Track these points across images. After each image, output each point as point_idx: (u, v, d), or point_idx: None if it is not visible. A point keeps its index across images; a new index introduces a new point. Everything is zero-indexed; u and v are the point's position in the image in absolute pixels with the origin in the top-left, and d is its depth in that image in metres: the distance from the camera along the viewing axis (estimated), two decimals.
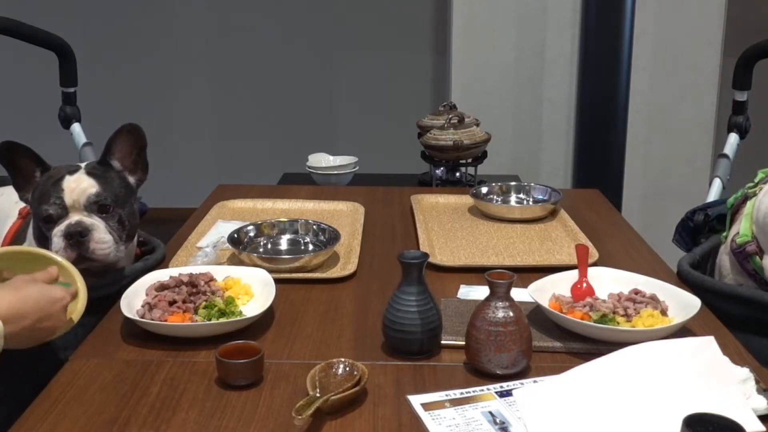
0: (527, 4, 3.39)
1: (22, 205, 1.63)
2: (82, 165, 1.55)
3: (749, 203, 1.62)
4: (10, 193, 1.73)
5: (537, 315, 1.37)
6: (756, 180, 1.69)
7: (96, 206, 1.48)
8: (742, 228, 1.60)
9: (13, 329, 1.13)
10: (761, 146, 2.96)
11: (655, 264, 1.70)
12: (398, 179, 2.93)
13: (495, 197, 2.10)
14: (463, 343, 1.23)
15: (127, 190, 1.56)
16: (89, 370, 1.22)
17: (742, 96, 2.41)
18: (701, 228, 1.84)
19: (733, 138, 2.42)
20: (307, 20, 4.50)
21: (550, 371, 1.20)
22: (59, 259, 1.33)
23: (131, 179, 1.58)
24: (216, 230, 1.85)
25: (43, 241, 1.48)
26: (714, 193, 2.34)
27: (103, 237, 1.46)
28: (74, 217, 1.47)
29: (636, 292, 1.39)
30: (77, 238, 1.44)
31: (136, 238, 1.63)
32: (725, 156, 2.39)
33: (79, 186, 1.48)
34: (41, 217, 1.48)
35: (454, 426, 1.06)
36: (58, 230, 1.45)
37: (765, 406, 1.08)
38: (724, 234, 1.70)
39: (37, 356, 1.21)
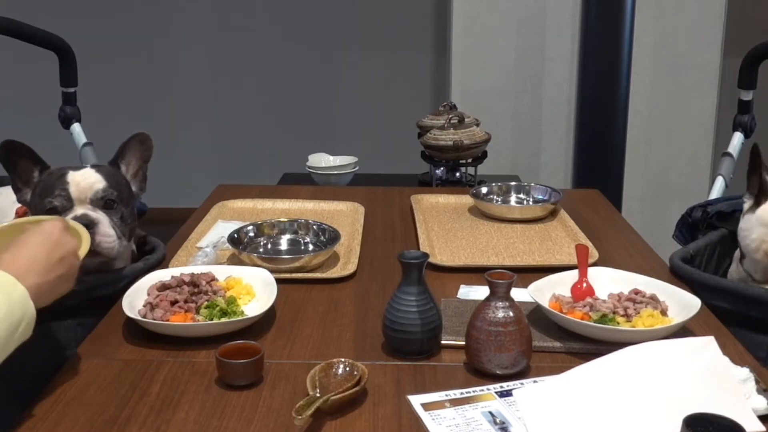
0: (527, 4, 3.39)
1: (19, 205, 1.63)
2: (87, 166, 1.56)
3: None
4: (8, 193, 1.73)
5: (537, 315, 1.37)
6: None
7: (102, 201, 1.49)
8: None
9: (33, 279, 1.10)
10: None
11: (655, 264, 1.70)
12: (398, 179, 2.93)
13: (495, 197, 2.10)
14: (463, 343, 1.22)
15: (130, 192, 1.58)
16: (89, 370, 1.22)
17: (747, 95, 2.41)
18: (699, 224, 1.85)
19: (737, 137, 2.42)
20: (308, 20, 4.50)
21: (550, 371, 1.20)
22: (45, 217, 1.33)
23: (133, 187, 1.60)
24: (216, 230, 1.85)
25: None
26: (717, 191, 2.34)
27: (107, 231, 1.47)
28: (79, 210, 1.46)
29: (636, 292, 1.39)
30: None
31: (133, 241, 1.63)
32: (729, 155, 2.39)
33: (85, 180, 1.49)
34: (45, 209, 1.46)
35: (454, 426, 1.06)
36: None
37: (765, 406, 1.08)
38: None
39: (37, 356, 1.21)
